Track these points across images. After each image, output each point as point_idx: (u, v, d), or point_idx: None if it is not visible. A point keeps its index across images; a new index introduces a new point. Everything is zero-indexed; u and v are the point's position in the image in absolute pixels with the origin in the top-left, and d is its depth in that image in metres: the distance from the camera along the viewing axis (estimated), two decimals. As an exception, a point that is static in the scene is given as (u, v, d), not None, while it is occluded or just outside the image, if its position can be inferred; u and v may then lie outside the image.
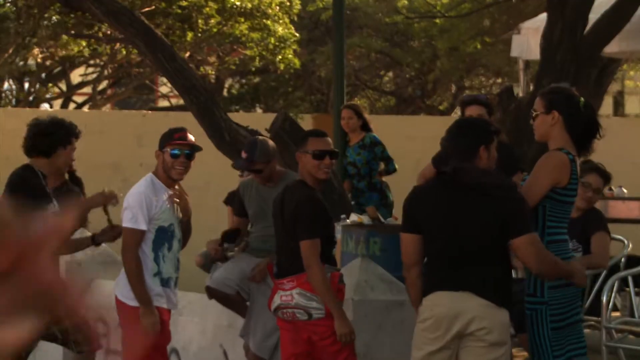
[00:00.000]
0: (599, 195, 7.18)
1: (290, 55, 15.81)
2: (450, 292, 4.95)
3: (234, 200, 7.03)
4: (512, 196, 4.99)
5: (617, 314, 8.09)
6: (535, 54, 10.27)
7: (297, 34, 16.47)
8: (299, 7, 16.53)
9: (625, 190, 9.74)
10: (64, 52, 16.90)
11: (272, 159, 6.71)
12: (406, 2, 19.05)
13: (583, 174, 7.17)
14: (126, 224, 5.95)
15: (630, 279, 7.18)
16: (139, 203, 5.92)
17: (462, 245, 4.96)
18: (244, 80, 22.75)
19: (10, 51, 16.12)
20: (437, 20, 18.41)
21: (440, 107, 21.78)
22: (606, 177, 7.25)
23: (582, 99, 5.33)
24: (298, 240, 5.52)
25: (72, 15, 14.52)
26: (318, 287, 5.49)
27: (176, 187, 6.13)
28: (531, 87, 10.24)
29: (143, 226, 5.90)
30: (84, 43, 16.54)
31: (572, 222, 7.09)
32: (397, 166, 9.93)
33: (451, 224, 4.96)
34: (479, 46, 18.39)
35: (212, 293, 6.78)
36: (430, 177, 5.16)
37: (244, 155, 6.78)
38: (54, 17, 15.17)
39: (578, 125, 5.25)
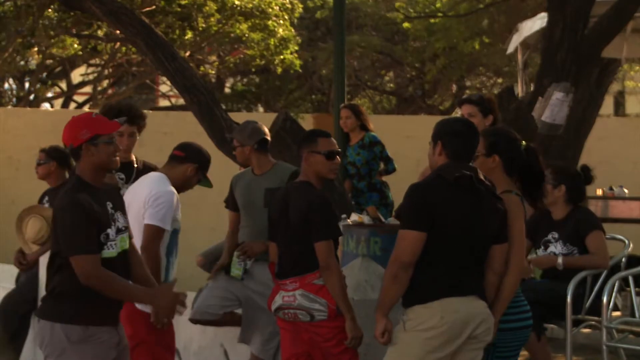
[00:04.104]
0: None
1: (290, 56, 15.82)
2: (460, 297, 4.82)
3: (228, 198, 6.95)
4: (503, 204, 5.00)
5: (618, 313, 8.09)
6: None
7: (298, 36, 16.49)
8: (300, 9, 16.54)
9: (625, 190, 9.75)
10: (60, 52, 16.90)
11: (247, 144, 6.64)
12: (403, 4, 19.06)
13: None
14: (154, 221, 5.72)
15: (631, 279, 7.18)
16: (170, 203, 5.75)
17: (474, 248, 4.86)
18: (245, 79, 22.77)
19: (11, 50, 16.13)
20: (433, 20, 18.40)
21: (441, 107, 21.80)
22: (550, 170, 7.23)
23: (523, 142, 5.29)
24: (304, 242, 5.47)
25: (71, 14, 14.52)
26: (334, 289, 5.45)
27: None
28: (531, 87, 10.25)
29: (168, 227, 5.76)
30: (76, 45, 16.52)
31: (560, 224, 7.12)
32: (396, 166, 9.92)
33: (468, 226, 4.84)
34: (477, 46, 18.41)
35: (196, 322, 6.73)
36: (431, 175, 4.96)
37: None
38: (53, 16, 15.16)
39: (519, 169, 5.21)
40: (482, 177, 4.94)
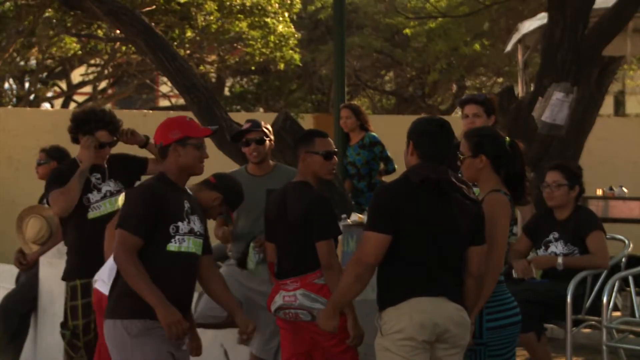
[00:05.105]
0: (560, 189, 7.14)
1: (290, 52, 15.81)
2: (429, 297, 4.82)
3: None
4: (480, 206, 4.98)
5: (618, 313, 8.09)
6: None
7: (298, 34, 16.47)
8: (299, 5, 16.53)
9: (625, 190, 9.74)
10: (60, 52, 16.90)
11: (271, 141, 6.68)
12: (409, 4, 19.04)
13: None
14: None
15: (631, 279, 7.17)
16: None
17: (443, 250, 4.84)
18: (245, 79, 22.76)
19: (11, 50, 16.13)
20: (433, 24, 18.38)
21: (441, 107, 21.79)
22: (561, 168, 7.22)
23: (507, 138, 5.28)
24: (305, 242, 5.47)
25: (71, 14, 14.53)
26: (335, 288, 5.47)
27: None
28: (531, 87, 10.24)
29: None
30: (74, 44, 16.49)
31: (562, 223, 7.13)
32: (396, 166, 9.92)
33: (433, 226, 4.82)
34: (477, 48, 18.41)
35: (199, 325, 6.72)
36: (403, 176, 4.95)
37: (246, 124, 6.70)
38: (53, 16, 15.16)
39: (505, 166, 5.21)
40: (453, 179, 4.90)
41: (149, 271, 4.94)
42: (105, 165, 6.67)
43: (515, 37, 11.03)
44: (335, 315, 5.07)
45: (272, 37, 15.65)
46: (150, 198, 4.98)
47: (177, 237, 5.01)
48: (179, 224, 5.01)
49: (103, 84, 20.86)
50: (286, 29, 15.78)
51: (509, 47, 11.25)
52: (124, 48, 17.08)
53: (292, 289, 5.54)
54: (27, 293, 8.33)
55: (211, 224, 6.82)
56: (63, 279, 6.59)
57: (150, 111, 18.32)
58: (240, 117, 10.67)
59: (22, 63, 18.74)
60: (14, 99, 19.40)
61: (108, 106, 21.88)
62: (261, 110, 21.95)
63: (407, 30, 18.66)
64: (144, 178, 6.77)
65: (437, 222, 4.83)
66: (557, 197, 7.11)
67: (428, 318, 4.80)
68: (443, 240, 4.84)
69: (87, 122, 6.59)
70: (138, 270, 4.90)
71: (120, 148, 6.88)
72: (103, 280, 5.76)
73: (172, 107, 21.90)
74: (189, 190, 5.36)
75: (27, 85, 20.17)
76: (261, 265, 6.33)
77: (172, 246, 5.00)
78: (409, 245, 4.81)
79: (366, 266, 4.84)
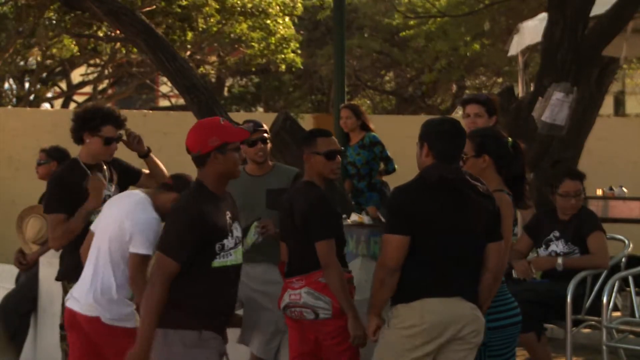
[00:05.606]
0: (581, 197, 7.19)
1: (291, 54, 15.81)
2: (442, 298, 4.84)
3: None
4: (494, 202, 4.99)
5: (618, 313, 8.10)
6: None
7: (299, 35, 16.47)
8: (301, 8, 16.53)
9: (625, 190, 9.75)
10: (60, 53, 16.90)
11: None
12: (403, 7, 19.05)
13: (557, 183, 7.24)
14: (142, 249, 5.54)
15: (630, 279, 7.19)
16: (153, 228, 5.64)
17: (459, 249, 4.86)
18: (244, 79, 22.76)
19: (11, 50, 16.13)
20: (432, 26, 18.38)
21: (441, 107, 21.80)
22: (580, 177, 7.27)
23: (509, 139, 5.32)
24: (310, 242, 5.48)
25: (71, 14, 14.53)
26: (335, 287, 5.46)
27: None
28: (531, 87, 10.25)
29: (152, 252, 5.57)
30: (73, 46, 16.50)
31: (565, 224, 7.16)
32: (396, 166, 9.92)
33: (450, 226, 4.85)
34: (477, 47, 18.41)
35: None
36: (418, 177, 4.98)
37: (248, 124, 6.66)
38: (53, 16, 15.17)
39: (508, 166, 5.25)
40: (468, 177, 4.93)
41: (194, 288, 4.86)
42: (105, 167, 6.65)
43: (518, 41, 11.02)
44: (373, 318, 5.02)
45: (272, 39, 15.66)
46: (195, 223, 4.82)
47: (222, 253, 4.92)
48: (224, 241, 4.92)
49: (103, 84, 20.87)
50: (287, 29, 15.79)
51: (512, 51, 11.25)
52: (123, 50, 17.08)
53: (297, 287, 5.57)
54: (27, 293, 8.32)
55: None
56: (59, 279, 6.57)
57: (150, 111, 18.32)
58: (239, 117, 10.67)
59: (22, 63, 18.75)
60: (14, 99, 19.40)
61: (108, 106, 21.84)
62: (261, 110, 21.95)
63: (408, 32, 18.67)
64: (131, 188, 6.70)
65: (452, 222, 4.86)
66: (579, 205, 7.17)
67: (439, 319, 4.82)
68: (458, 240, 4.87)
69: (92, 119, 6.57)
70: (157, 303, 4.79)
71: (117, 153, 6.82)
72: (75, 298, 5.66)
73: (172, 107, 21.91)
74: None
75: (27, 85, 20.17)
76: (265, 265, 6.33)
77: (217, 262, 4.91)
78: (424, 245, 4.84)
79: (388, 270, 4.86)
